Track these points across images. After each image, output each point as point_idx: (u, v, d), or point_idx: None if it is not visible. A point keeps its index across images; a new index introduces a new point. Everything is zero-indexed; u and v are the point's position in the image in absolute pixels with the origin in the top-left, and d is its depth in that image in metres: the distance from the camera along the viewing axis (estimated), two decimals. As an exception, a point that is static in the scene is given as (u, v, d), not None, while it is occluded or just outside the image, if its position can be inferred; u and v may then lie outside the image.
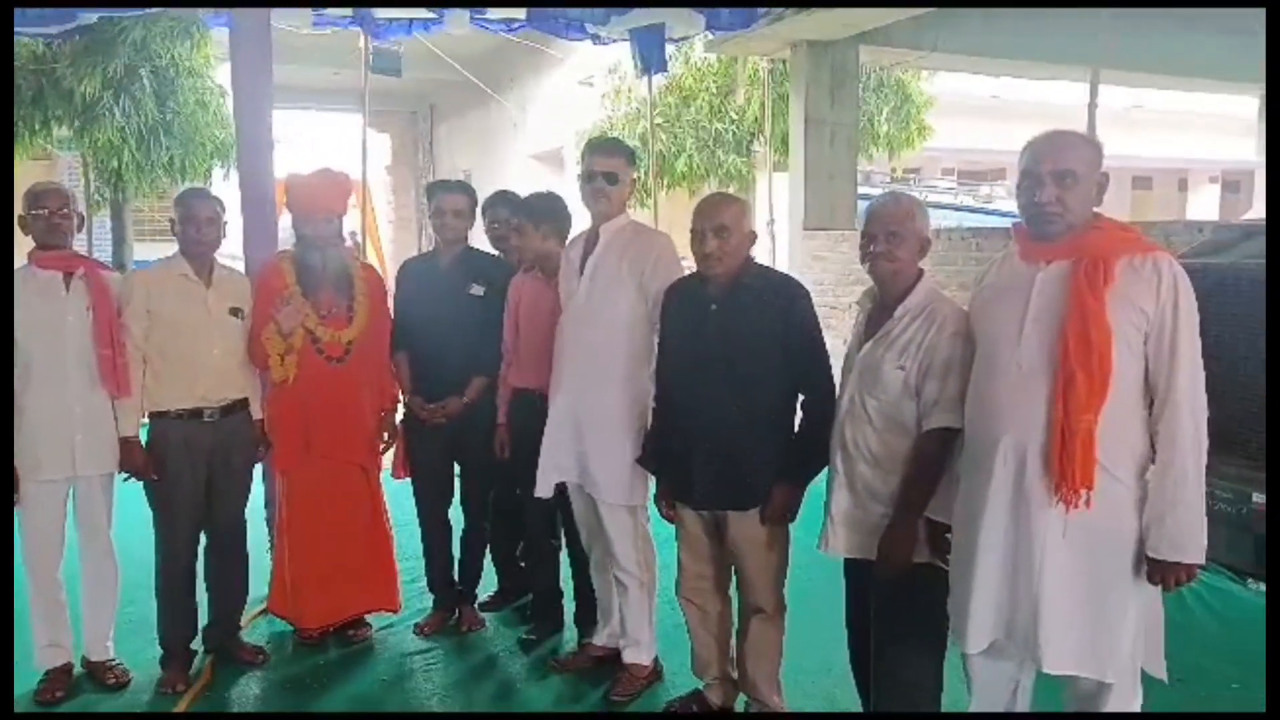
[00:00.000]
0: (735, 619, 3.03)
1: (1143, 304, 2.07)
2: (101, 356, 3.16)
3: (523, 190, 3.94)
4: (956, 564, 2.31)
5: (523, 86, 12.85)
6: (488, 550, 3.97)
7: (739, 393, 2.75)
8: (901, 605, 2.47)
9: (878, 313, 2.55)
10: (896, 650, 2.52)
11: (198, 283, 3.36)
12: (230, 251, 3.83)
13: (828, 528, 2.59)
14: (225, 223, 3.47)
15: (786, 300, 2.80)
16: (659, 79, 8.56)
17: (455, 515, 3.84)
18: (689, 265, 2.97)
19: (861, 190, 10.30)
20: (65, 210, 3.17)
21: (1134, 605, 2.14)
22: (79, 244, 3.29)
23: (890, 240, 2.47)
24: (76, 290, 3.17)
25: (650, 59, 6.78)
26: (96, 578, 3.34)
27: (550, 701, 3.26)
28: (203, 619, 3.51)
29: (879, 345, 2.48)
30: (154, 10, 6.76)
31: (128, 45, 7.45)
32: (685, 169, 9.97)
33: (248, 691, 3.33)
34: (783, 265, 8.67)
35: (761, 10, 6.67)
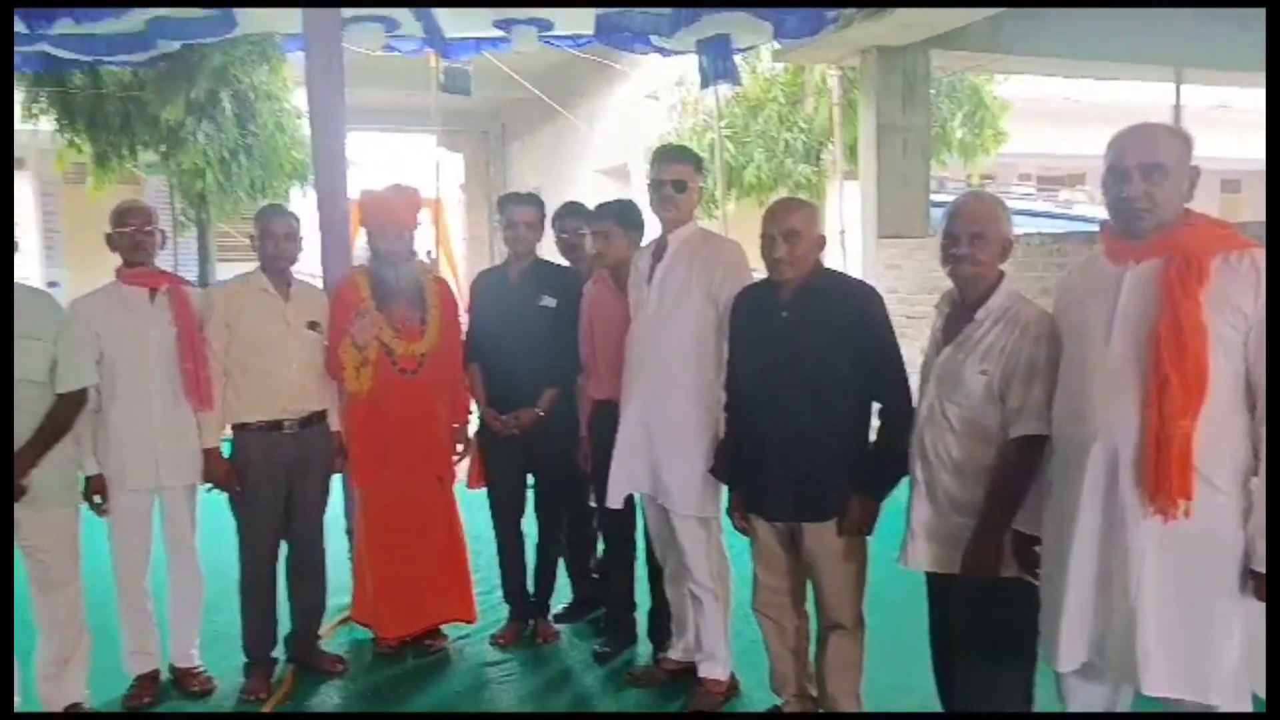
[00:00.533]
0: (813, 634, 2.96)
1: (1240, 303, 1.96)
2: (184, 370, 3.25)
3: (591, 204, 3.95)
4: (1046, 578, 2.21)
5: (590, 102, 12.95)
6: (562, 562, 3.96)
7: (812, 401, 2.70)
8: (988, 621, 2.38)
9: (957, 316, 2.48)
10: (983, 669, 2.43)
11: (276, 297, 3.43)
12: (311, 270, 3.91)
13: (908, 540, 2.52)
14: (302, 238, 3.55)
15: (859, 305, 2.74)
16: (725, 90, 8.54)
17: (530, 526, 3.84)
18: (759, 274, 2.93)
19: (935, 197, 10.09)
20: (149, 228, 3.27)
21: (1238, 623, 2.02)
22: (164, 262, 3.39)
23: (973, 242, 2.39)
24: (160, 305, 3.26)
25: (717, 70, 6.76)
26: (182, 586, 3.42)
27: (623, 714, 3.23)
28: (284, 628, 3.57)
29: (959, 350, 2.41)
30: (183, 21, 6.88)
31: (209, 71, 7.71)
32: (754, 179, 9.91)
33: (328, 700, 3.38)
34: (855, 274, 8.54)
35: (831, 14, 6.57)
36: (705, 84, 7.29)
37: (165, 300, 3.27)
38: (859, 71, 8.32)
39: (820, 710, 2.95)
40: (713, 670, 3.23)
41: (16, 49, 6.40)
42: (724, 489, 3.04)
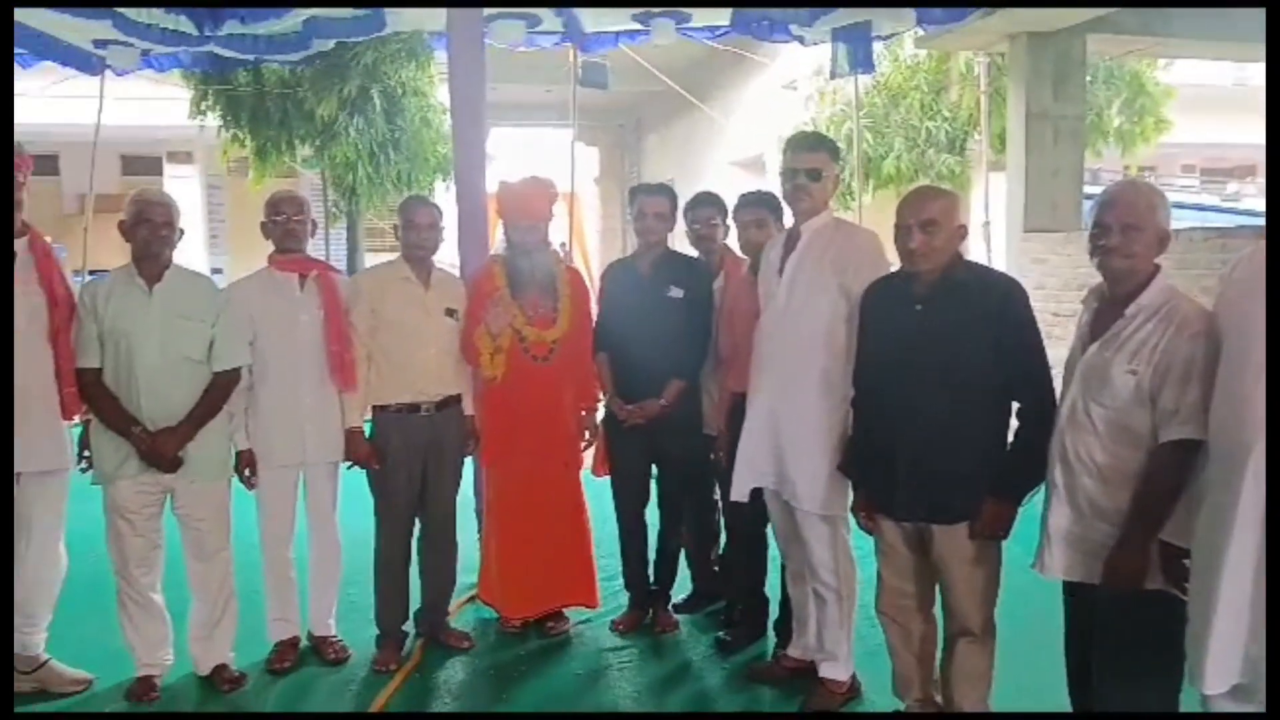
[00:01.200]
0: (940, 639, 2.86)
1: None
2: (331, 353, 3.41)
3: (725, 196, 3.93)
4: (1196, 593, 2.06)
5: (726, 94, 12.89)
6: (684, 553, 3.96)
7: (945, 397, 2.60)
8: (1129, 636, 2.24)
9: (1106, 312, 2.34)
10: (1122, 687, 2.29)
11: (417, 284, 3.55)
12: (448, 260, 4.03)
13: (1044, 546, 2.40)
14: (443, 229, 3.67)
15: (1000, 298, 2.61)
16: (865, 79, 8.34)
17: (653, 516, 3.86)
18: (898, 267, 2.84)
19: (1088, 189, 9.56)
20: (300, 216, 3.44)
21: None
22: (316, 251, 3.56)
23: (1126, 233, 2.25)
24: (310, 291, 3.43)
25: (853, 59, 6.59)
26: (322, 559, 3.59)
27: (742, 709, 3.21)
28: (415, 603, 3.71)
29: (1107, 347, 2.27)
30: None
31: (360, 69, 8.07)
32: (893, 170, 9.65)
33: (453, 676, 3.48)
34: (1000, 269, 8.21)
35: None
36: (834, 75, 7.13)
37: (314, 286, 3.43)
38: (1008, 58, 7.99)
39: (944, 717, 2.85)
40: (833, 670, 3.17)
41: (188, 49, 6.86)
42: (851, 486, 2.97)
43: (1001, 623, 2.74)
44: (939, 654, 2.87)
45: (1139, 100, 9.60)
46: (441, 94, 8.87)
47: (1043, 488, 2.49)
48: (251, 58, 7.09)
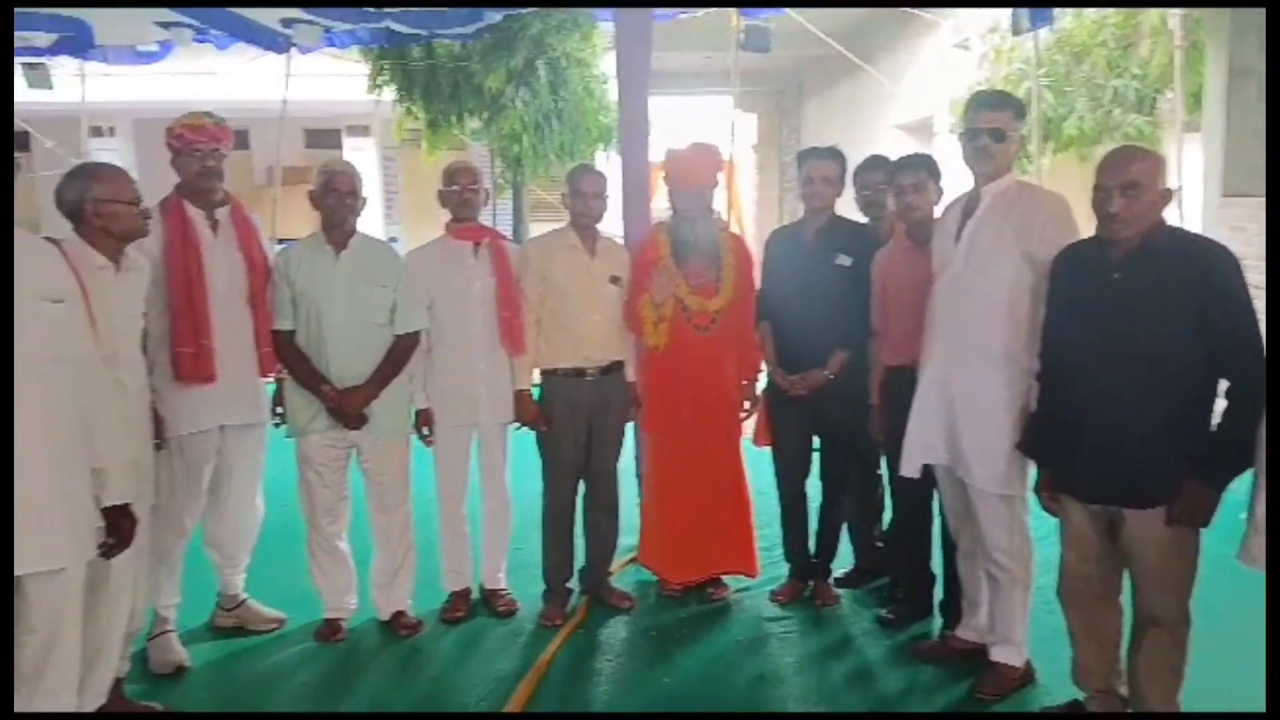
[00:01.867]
0: (1127, 627, 2.69)
1: None
2: (501, 318, 3.51)
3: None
4: None
5: (893, 55, 12.44)
6: (845, 527, 3.89)
7: (1143, 373, 2.43)
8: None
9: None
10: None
11: (583, 252, 3.60)
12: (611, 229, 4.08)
13: (1250, 535, 2.22)
14: (608, 197, 3.70)
15: (1205, 267, 2.41)
16: (1046, 35, 7.86)
17: (814, 488, 3.80)
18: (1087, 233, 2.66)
19: (1299, 151, 8.68)
20: (475, 185, 3.55)
21: None
22: (483, 220, 3.67)
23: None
24: (482, 258, 3.54)
25: (1035, 15, 6.21)
26: (494, 515, 3.73)
27: (906, 688, 3.13)
28: (579, 562, 3.80)
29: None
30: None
31: (527, 40, 8.22)
32: (1075, 131, 9.06)
33: (616, 634, 3.56)
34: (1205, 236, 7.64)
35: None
36: (1018, 31, 6.74)
37: (487, 253, 3.54)
38: (1207, 10, 7.35)
39: (1130, 710, 2.69)
40: (1007, 655, 3.04)
41: (366, 26, 7.19)
42: (1032, 465, 2.83)
43: (1197, 614, 2.55)
44: (1124, 643, 2.71)
45: (1365, 50, 8.62)
46: (603, 64, 8.95)
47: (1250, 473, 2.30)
48: (425, 32, 7.34)
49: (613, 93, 9.49)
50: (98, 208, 2.58)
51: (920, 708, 3.02)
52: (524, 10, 7.53)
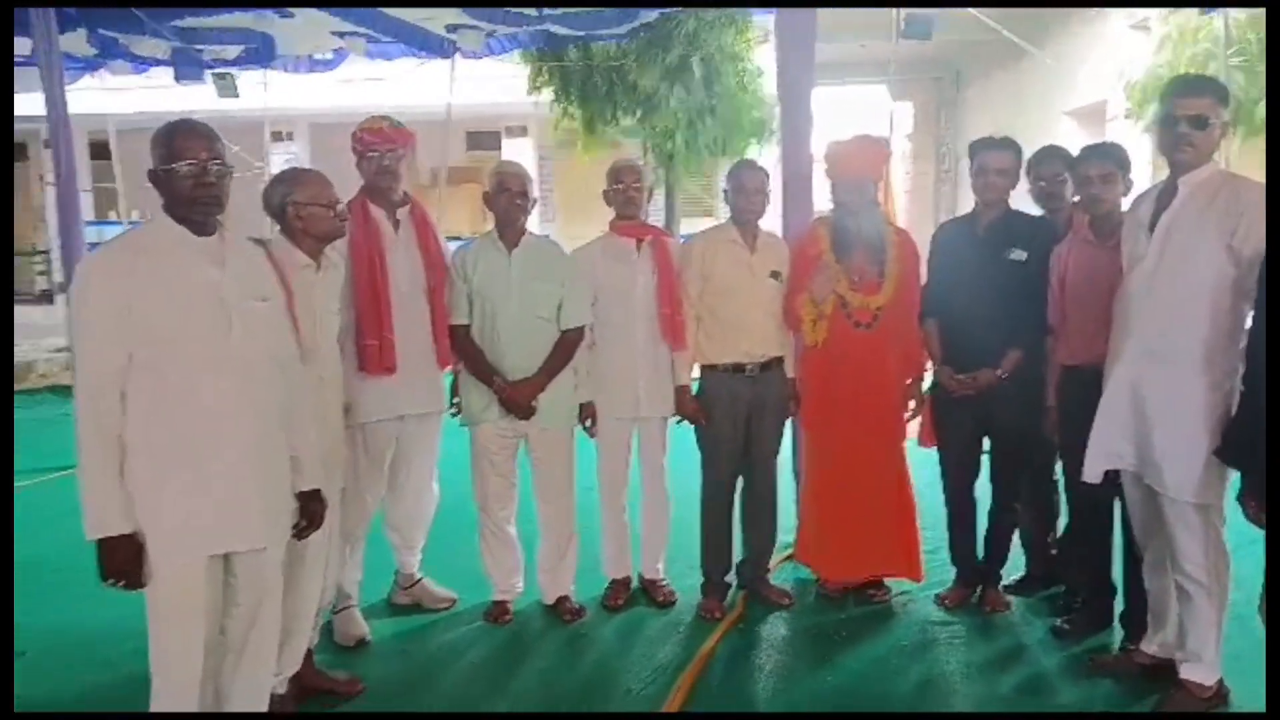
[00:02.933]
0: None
1: None
2: (662, 315, 3.56)
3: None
4: None
5: (1061, 38, 11.85)
6: (1016, 532, 3.75)
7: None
8: None
9: None
10: None
11: (744, 248, 3.61)
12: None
13: None
14: (769, 193, 3.69)
15: None
16: (1238, 12, 7.31)
17: (983, 492, 3.68)
18: None
19: None
20: (639, 184, 3.61)
21: None
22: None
23: None
24: (645, 255, 3.60)
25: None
26: (653, 506, 3.79)
27: (1082, 700, 3.00)
28: (737, 557, 3.82)
29: None
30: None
31: (682, 37, 8.27)
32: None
33: (775, 631, 3.55)
34: None
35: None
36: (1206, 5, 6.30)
37: (649, 250, 3.60)
38: None
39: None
40: (1197, 673, 2.86)
41: (527, 29, 7.41)
42: (1231, 473, 2.65)
43: None
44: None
45: None
46: (758, 57, 8.90)
47: None
48: (583, 33, 7.50)
49: (767, 86, 9.44)
50: (299, 210, 2.77)
51: (1099, 724, 2.88)
52: (680, 10, 7.58)
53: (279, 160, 11.60)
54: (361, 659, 3.35)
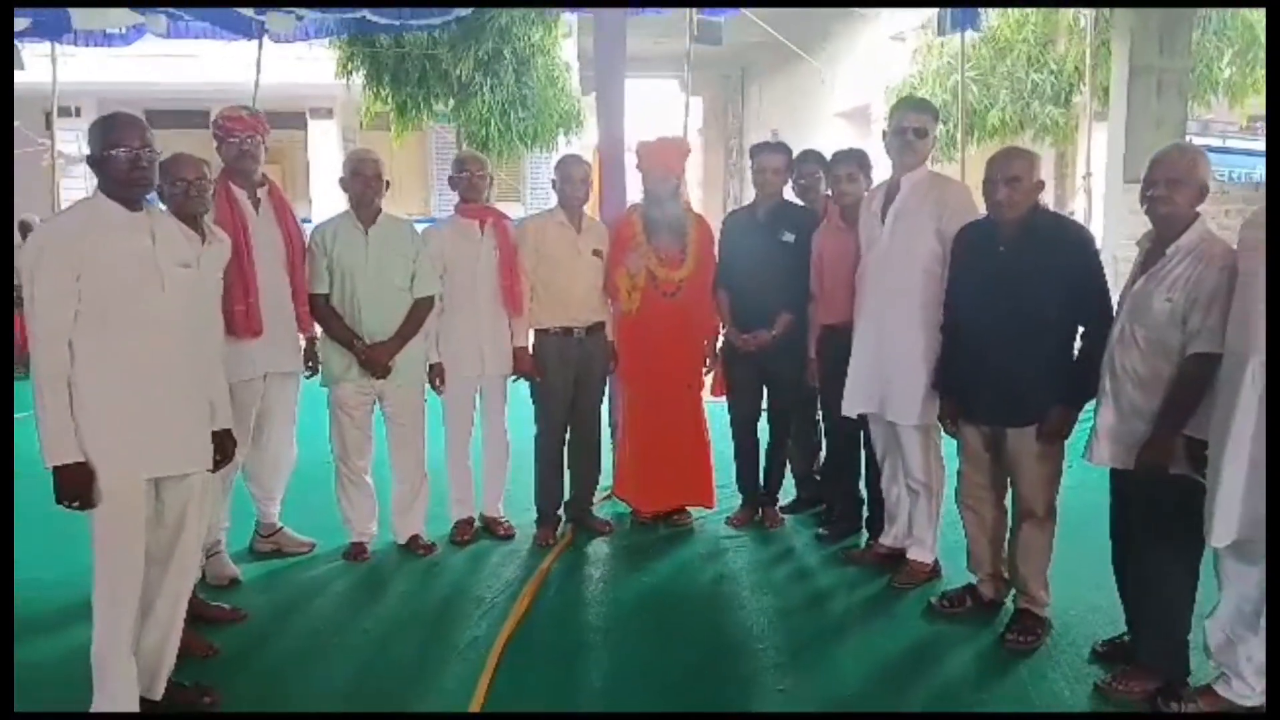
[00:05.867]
0: (1009, 525, 3.44)
1: None
2: (503, 286, 4.13)
3: (827, 147, 4.50)
4: (1209, 469, 2.59)
5: (833, 45, 13.09)
6: (788, 464, 4.60)
7: (1022, 324, 3.14)
8: (1159, 511, 2.79)
9: (1153, 252, 2.85)
10: (1154, 552, 2.84)
11: (571, 229, 4.23)
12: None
13: (1093, 440, 2.94)
14: (591, 181, 4.33)
15: (1071, 242, 3.15)
16: (973, 33, 8.58)
17: (763, 431, 4.50)
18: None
19: (1201, 140, 9.55)
20: (482, 172, 4.16)
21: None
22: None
23: (1170, 186, 2.75)
24: (488, 234, 4.15)
25: (957, 17, 6.94)
26: (494, 454, 4.37)
27: (837, 583, 3.84)
28: (566, 495, 4.46)
29: (1150, 280, 2.79)
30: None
31: (495, 30, 8.74)
32: (998, 122, 9.86)
33: (600, 550, 4.23)
34: (1100, 219, 8.47)
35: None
36: (943, 31, 7.45)
37: (491, 230, 4.15)
38: (1114, 11, 8.15)
39: (1010, 589, 3.44)
40: (920, 554, 3.79)
41: (340, 16, 7.61)
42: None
43: (1065, 517, 3.30)
44: (1008, 537, 3.45)
45: (1251, 51, 9.57)
46: (565, 52, 9.45)
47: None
48: (398, 24, 7.80)
49: (573, 80, 10.02)
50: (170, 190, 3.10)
51: (847, 598, 3.72)
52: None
53: (65, 137, 11.06)
54: (236, 595, 3.73)
